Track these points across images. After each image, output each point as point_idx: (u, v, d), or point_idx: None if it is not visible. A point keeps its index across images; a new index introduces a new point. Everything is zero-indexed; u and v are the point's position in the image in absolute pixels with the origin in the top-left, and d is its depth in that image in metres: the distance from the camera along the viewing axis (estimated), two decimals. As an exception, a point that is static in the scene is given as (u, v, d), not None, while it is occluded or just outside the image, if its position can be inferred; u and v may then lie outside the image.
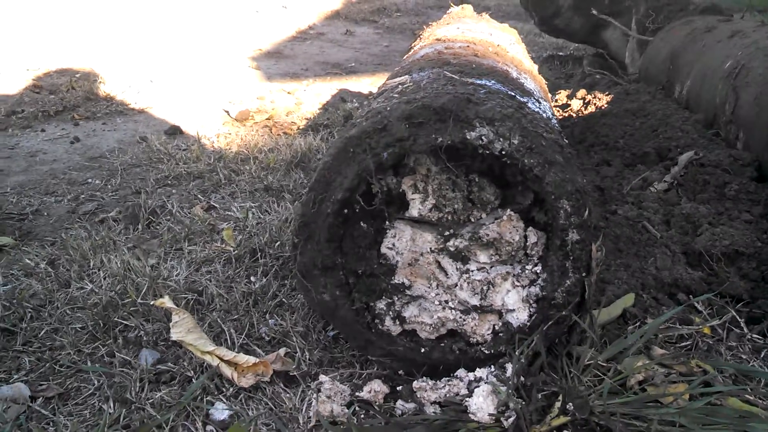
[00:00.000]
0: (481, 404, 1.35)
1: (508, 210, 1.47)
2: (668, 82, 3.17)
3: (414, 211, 1.48)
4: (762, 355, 1.60)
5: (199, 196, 2.66)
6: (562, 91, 3.67)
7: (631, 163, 2.56)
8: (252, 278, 1.97)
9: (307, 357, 1.58)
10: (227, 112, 3.97)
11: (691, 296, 1.82)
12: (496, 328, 1.50)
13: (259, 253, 2.09)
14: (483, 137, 1.37)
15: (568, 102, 3.42)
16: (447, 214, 1.49)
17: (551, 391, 1.42)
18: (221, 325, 1.70)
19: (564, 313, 1.46)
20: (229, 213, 2.45)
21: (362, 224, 1.48)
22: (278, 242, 2.13)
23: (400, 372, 1.54)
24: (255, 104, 4.15)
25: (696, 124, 2.61)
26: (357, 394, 1.42)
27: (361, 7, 8.60)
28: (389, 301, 1.50)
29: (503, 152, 1.38)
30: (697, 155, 2.31)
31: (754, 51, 2.46)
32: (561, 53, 5.54)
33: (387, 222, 1.51)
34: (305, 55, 6.07)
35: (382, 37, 7.20)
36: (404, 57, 2.51)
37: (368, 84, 5.04)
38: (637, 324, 1.68)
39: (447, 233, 1.50)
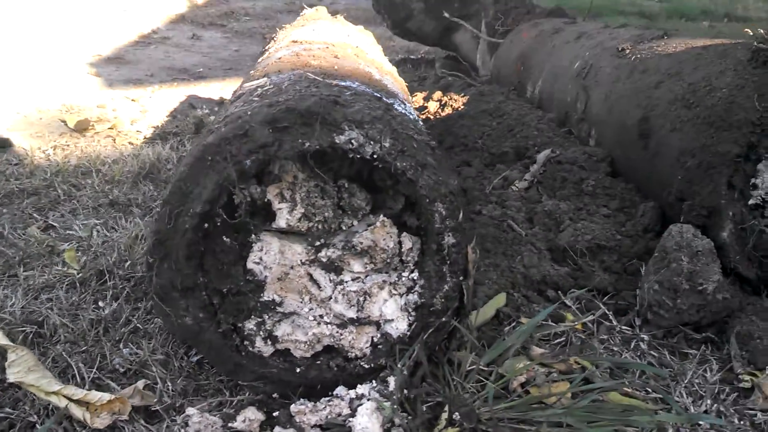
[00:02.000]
0: (366, 423, 1.26)
1: (381, 216, 1.40)
2: (520, 83, 3.25)
3: (281, 221, 1.37)
4: (632, 346, 1.63)
5: (34, 214, 2.39)
6: (417, 93, 3.68)
7: (490, 163, 2.59)
8: (100, 303, 1.78)
9: (170, 387, 1.43)
10: (64, 122, 3.65)
11: (559, 292, 1.84)
12: (375, 340, 1.43)
13: (108, 275, 1.89)
14: (353, 141, 1.29)
15: (425, 104, 3.43)
16: (317, 224, 1.40)
17: (436, 402, 1.37)
18: (67, 359, 1.51)
19: (444, 319, 1.41)
20: (71, 232, 2.22)
21: (225, 239, 1.36)
22: (128, 262, 1.95)
23: (275, 395, 1.43)
24: (96, 113, 3.85)
25: (550, 123, 2.68)
26: (230, 425, 1.30)
27: (208, 11, 8.32)
28: (259, 320, 1.39)
29: (374, 156, 1.31)
30: (554, 153, 2.36)
31: (600, 51, 2.55)
32: (413, 56, 5.60)
33: (252, 235, 1.39)
34: (149, 61, 5.75)
35: (231, 41, 6.98)
36: (258, 60, 2.39)
37: (219, 89, 4.84)
38: (512, 324, 1.67)
39: (318, 243, 1.41)
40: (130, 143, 3.32)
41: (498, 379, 1.44)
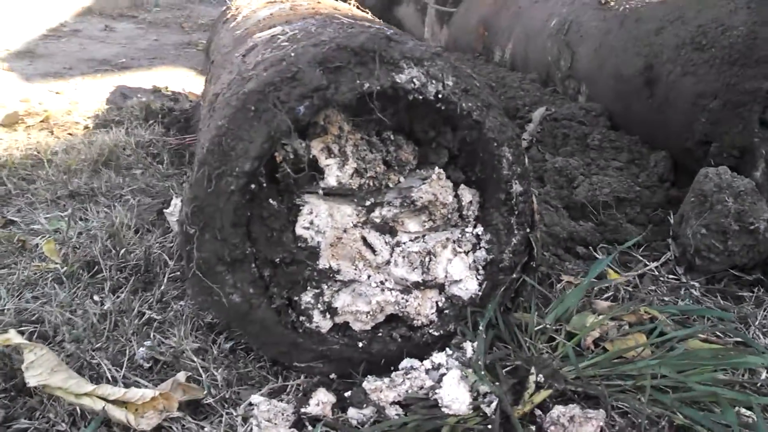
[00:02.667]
0: (456, 394, 1.13)
1: (436, 168, 1.27)
2: (485, 48, 3.16)
3: (331, 179, 1.22)
4: (682, 294, 1.56)
5: (-13, 211, 2.12)
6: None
7: (476, 127, 2.48)
8: (95, 297, 1.57)
9: (218, 378, 1.25)
10: (-12, 118, 3.31)
11: (590, 248, 1.76)
12: (440, 304, 1.29)
13: (97, 266, 1.68)
14: (414, 80, 1.15)
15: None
16: (368, 180, 1.25)
17: (513, 366, 1.25)
18: (82, 357, 1.30)
19: (514, 275, 1.30)
20: (36, 227, 1.98)
21: (271, 202, 1.19)
22: (115, 251, 1.73)
23: (332, 376, 1.27)
24: (22, 107, 3.53)
25: (532, 82, 2.60)
26: (302, 409, 1.13)
27: (116, 2, 7.88)
28: (316, 291, 1.23)
29: (439, 96, 1.17)
30: (549, 110, 2.28)
31: (579, 7, 2.49)
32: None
33: (296, 198, 1.23)
34: (64, 54, 5.37)
35: (147, 31, 6.63)
36: (230, 26, 2.18)
37: (147, 78, 4.56)
38: (556, 283, 1.57)
39: (368, 203, 1.26)
40: (70, 134, 3.04)
41: (569, 337, 1.34)
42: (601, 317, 1.36)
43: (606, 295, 1.56)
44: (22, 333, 1.37)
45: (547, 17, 2.66)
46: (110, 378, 1.25)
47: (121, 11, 7.59)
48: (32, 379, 1.13)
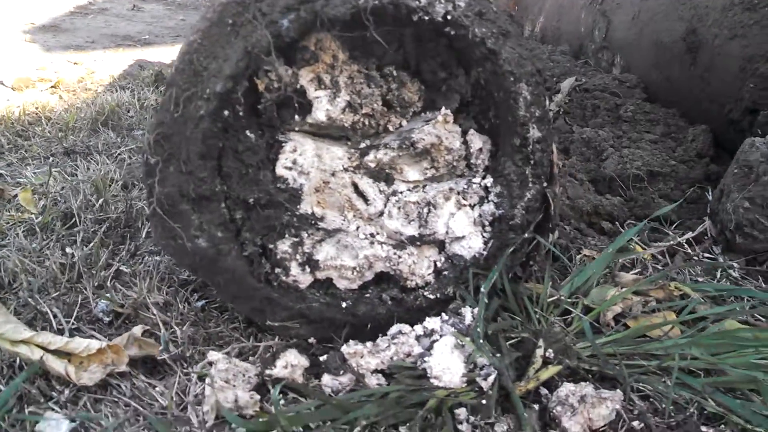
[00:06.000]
0: (447, 364, 0.97)
1: (443, 108, 1.11)
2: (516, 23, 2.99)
3: (320, 113, 1.06)
4: (719, 275, 1.38)
5: (-25, 164, 2.00)
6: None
7: (500, 100, 2.32)
8: (68, 249, 1.43)
9: (178, 334, 1.10)
10: (1, 82, 3.22)
11: (616, 223, 1.58)
12: (438, 264, 1.13)
13: (75, 218, 1.55)
14: (420, -4, 0.99)
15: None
16: (363, 118, 1.09)
17: (519, 338, 1.08)
18: (35, 306, 1.16)
19: (526, 235, 1.13)
20: (22, 180, 1.85)
21: (249, 134, 1.04)
22: (100, 202, 1.60)
23: (311, 339, 1.12)
24: (36, 74, 3.44)
25: (563, 54, 2.42)
26: (267, 371, 0.98)
27: (148, -17, 7.82)
28: (295, 239, 1.07)
29: (448, 17, 1.01)
30: (579, 81, 2.10)
31: (617, -26, 2.30)
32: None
33: (279, 134, 1.08)
34: (88, 29, 5.30)
35: (174, 12, 6.55)
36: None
37: (170, 54, 4.45)
38: (576, 256, 1.40)
39: (363, 145, 1.10)
40: (76, 96, 2.93)
41: (586, 311, 1.17)
42: (624, 290, 1.18)
43: (632, 272, 1.39)
44: (-26, 277, 1.24)
45: (581, -13, 2.48)
46: (57, 329, 1.11)
47: (152, -8, 7.53)
48: (-37, 321, 0.99)
